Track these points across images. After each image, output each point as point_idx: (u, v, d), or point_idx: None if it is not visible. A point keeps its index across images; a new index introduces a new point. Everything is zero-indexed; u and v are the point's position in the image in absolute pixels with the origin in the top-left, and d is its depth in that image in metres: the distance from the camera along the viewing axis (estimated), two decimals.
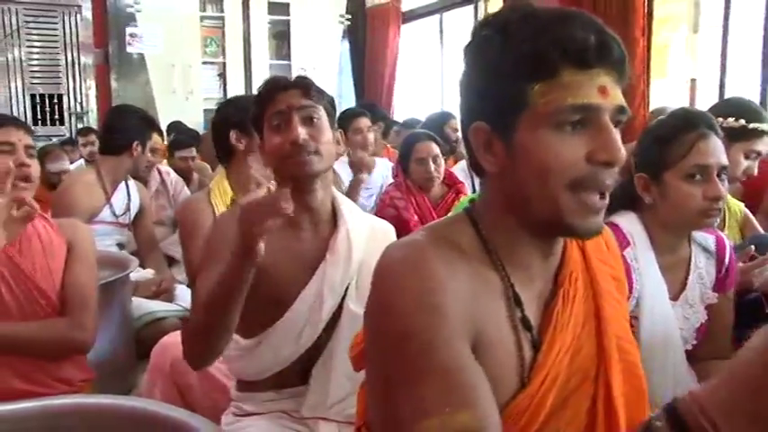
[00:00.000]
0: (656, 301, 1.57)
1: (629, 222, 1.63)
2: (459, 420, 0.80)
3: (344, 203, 1.61)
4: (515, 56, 0.86)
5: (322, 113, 1.54)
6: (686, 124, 1.55)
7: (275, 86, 1.56)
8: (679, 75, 4.93)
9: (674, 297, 1.62)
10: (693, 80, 4.66)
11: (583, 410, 0.96)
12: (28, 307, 1.72)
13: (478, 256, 0.93)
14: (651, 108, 4.18)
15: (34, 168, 1.79)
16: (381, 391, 0.89)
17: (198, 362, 1.48)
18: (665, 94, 4.78)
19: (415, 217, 2.99)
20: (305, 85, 1.55)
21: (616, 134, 0.88)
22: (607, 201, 0.90)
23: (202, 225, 2.20)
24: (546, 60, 0.85)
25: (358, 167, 3.55)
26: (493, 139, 0.91)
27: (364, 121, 3.85)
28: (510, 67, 0.87)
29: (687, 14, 4.85)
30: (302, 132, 1.48)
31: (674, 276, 1.63)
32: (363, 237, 1.57)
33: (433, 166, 3.06)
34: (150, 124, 3.27)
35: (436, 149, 3.09)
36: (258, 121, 1.57)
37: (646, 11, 4.23)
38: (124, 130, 3.14)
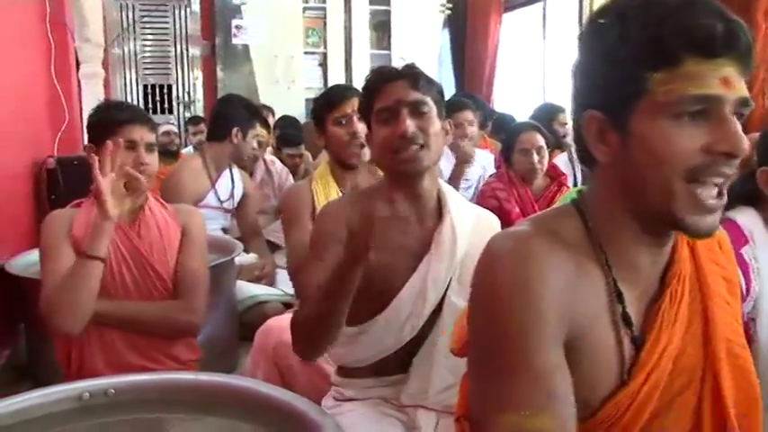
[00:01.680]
0: None
1: (748, 219, 1.55)
2: (535, 425, 0.81)
3: (450, 194, 1.60)
4: (635, 42, 0.84)
5: (431, 105, 1.51)
6: None
7: (383, 77, 1.54)
8: None
9: None
10: None
11: (688, 413, 0.94)
12: (144, 289, 1.83)
13: (583, 250, 0.92)
14: None
15: (152, 165, 1.86)
16: (473, 377, 0.91)
17: (307, 354, 1.52)
18: None
19: (517, 209, 2.96)
20: (414, 76, 1.52)
21: (737, 125, 0.84)
22: (724, 200, 0.87)
23: (302, 212, 2.24)
24: (669, 48, 0.82)
25: (461, 159, 3.54)
26: (606, 129, 0.89)
27: (467, 115, 3.82)
28: (629, 54, 0.85)
29: None
30: (411, 125, 1.47)
31: None
32: (468, 229, 1.56)
33: (536, 158, 3.00)
34: (254, 114, 3.36)
35: (541, 140, 3.03)
36: (366, 112, 1.56)
37: None
38: (227, 117, 3.27)
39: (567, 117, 4.32)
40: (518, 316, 0.85)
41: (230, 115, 3.27)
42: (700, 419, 0.94)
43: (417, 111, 1.49)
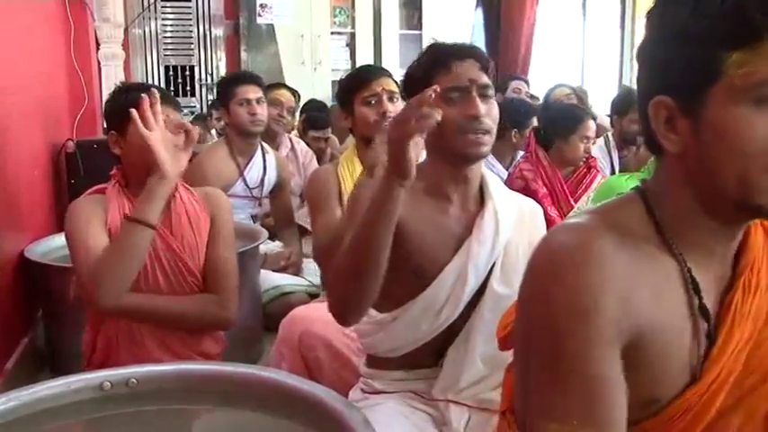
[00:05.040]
0: None
1: None
2: None
3: (492, 180, 1.59)
4: (710, 19, 0.79)
5: (493, 91, 1.52)
6: None
7: (454, 54, 1.51)
8: None
9: None
10: None
11: (760, 415, 0.91)
12: (176, 284, 1.83)
13: (652, 240, 0.89)
14: None
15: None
16: (524, 377, 0.90)
17: (345, 313, 1.47)
18: None
19: (544, 189, 2.98)
20: (484, 57, 1.51)
21: None
22: None
23: (329, 197, 2.25)
24: (748, 23, 0.77)
25: None
26: (676, 116, 0.85)
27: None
28: (702, 33, 0.79)
29: None
30: (483, 108, 1.46)
31: None
32: (511, 216, 1.56)
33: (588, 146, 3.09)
34: (232, 81, 3.32)
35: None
36: (418, 86, 1.48)
37: None
38: (218, 97, 3.35)
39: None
40: (571, 319, 0.83)
41: (217, 96, 3.39)
42: None
43: (485, 95, 1.49)
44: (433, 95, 1.28)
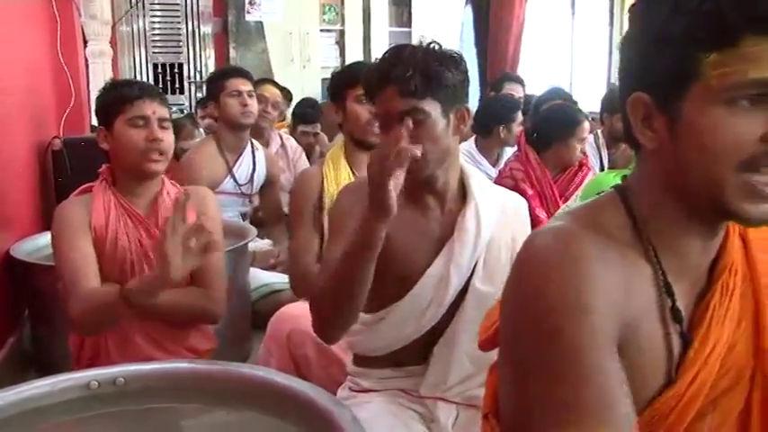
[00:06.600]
0: None
1: None
2: None
3: (474, 177, 1.58)
4: (688, 20, 0.79)
5: (428, 109, 1.41)
6: None
7: (374, 83, 1.45)
8: None
9: None
10: None
11: (734, 414, 0.91)
12: None
13: (629, 241, 0.89)
14: None
15: (167, 141, 1.82)
16: (515, 381, 0.88)
17: (327, 333, 1.49)
18: None
19: (531, 191, 2.99)
20: (404, 82, 1.40)
21: None
22: None
23: (308, 198, 2.23)
24: (725, 26, 0.77)
25: None
26: (654, 113, 0.85)
27: None
28: (681, 33, 0.80)
29: None
30: (405, 141, 1.32)
31: None
32: (493, 213, 1.55)
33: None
34: (222, 75, 3.31)
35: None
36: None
37: None
38: (207, 93, 3.35)
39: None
40: (567, 317, 0.82)
41: (207, 92, 3.37)
42: (747, 422, 0.91)
43: (411, 121, 1.39)
44: (405, 133, 1.28)
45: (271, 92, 3.97)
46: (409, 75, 1.40)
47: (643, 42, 0.86)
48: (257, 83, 3.84)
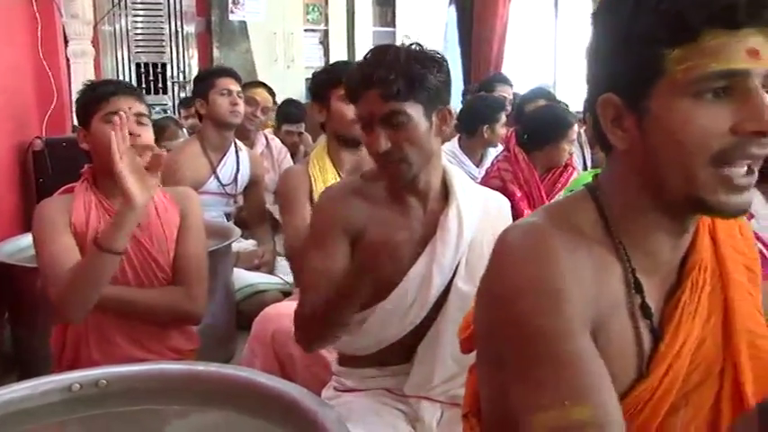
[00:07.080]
0: None
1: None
2: (578, 415, 0.78)
3: (457, 177, 1.58)
4: (650, 18, 0.81)
5: (410, 112, 1.42)
6: None
7: (357, 85, 1.46)
8: None
9: None
10: None
11: (705, 408, 0.93)
12: (145, 278, 1.81)
13: (600, 239, 0.90)
14: None
15: (145, 136, 1.80)
16: (493, 377, 0.89)
17: (309, 348, 1.58)
18: None
19: (519, 192, 2.99)
20: (386, 85, 1.41)
21: (767, 100, 0.81)
22: (755, 177, 0.83)
23: (299, 197, 2.24)
24: (685, 22, 0.79)
25: None
26: (623, 113, 0.87)
27: None
28: (644, 32, 0.82)
29: None
30: (383, 143, 1.42)
31: None
32: (476, 213, 1.55)
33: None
34: (210, 74, 3.29)
35: None
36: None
37: None
38: (193, 92, 3.29)
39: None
40: (539, 303, 0.83)
41: (195, 89, 3.32)
42: (717, 416, 0.92)
43: (391, 123, 1.43)
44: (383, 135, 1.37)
45: (262, 96, 3.94)
46: (392, 78, 1.40)
47: (608, 45, 0.88)
48: (248, 85, 3.84)
